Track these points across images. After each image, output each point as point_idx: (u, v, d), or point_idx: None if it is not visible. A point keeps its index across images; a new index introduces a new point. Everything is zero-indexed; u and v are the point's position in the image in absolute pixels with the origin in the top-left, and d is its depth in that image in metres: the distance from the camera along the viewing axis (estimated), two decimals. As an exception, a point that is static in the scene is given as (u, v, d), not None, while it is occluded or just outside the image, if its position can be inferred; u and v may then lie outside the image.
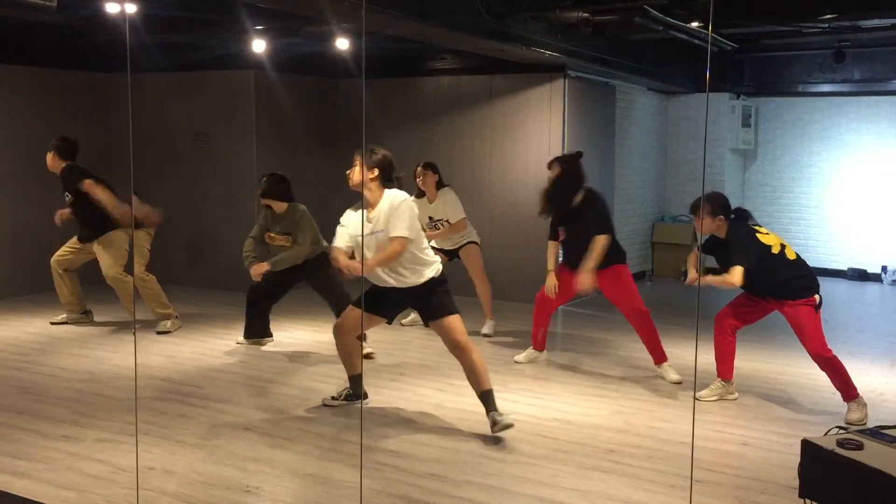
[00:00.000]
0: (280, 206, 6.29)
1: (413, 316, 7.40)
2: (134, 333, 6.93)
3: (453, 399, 5.32)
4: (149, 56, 7.71)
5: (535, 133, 8.45)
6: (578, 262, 5.80)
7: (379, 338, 6.89)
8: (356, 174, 4.67)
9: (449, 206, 6.97)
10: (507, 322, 7.48)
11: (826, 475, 3.35)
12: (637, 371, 6.07)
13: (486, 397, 4.69)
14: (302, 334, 7.01)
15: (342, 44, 7.51)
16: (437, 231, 6.99)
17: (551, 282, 6.02)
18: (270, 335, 6.67)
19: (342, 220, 4.80)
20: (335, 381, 5.65)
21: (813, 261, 10.78)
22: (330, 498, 3.83)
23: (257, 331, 6.61)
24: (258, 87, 8.66)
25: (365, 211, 4.69)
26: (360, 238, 4.60)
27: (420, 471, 4.16)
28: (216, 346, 6.64)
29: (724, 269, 5.21)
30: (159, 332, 6.93)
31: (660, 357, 5.86)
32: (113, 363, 6.05)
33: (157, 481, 3.97)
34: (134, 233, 7.02)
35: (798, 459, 3.57)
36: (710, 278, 5.23)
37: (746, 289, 5.26)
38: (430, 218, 7.01)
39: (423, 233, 4.85)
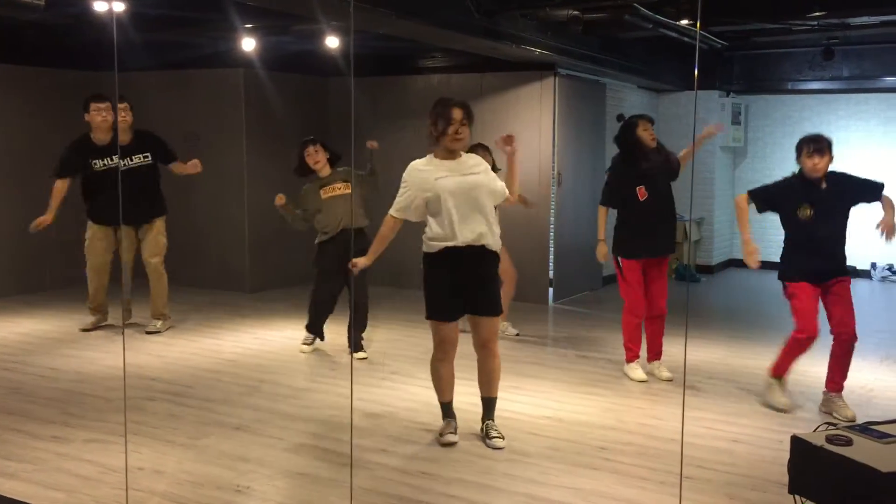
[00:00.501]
0: (326, 170, 6.17)
1: (502, 324, 6.93)
2: (122, 333, 6.90)
3: (444, 397, 5.31)
4: (138, 55, 7.68)
5: (525, 131, 8.45)
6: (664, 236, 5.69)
7: (367, 336, 6.89)
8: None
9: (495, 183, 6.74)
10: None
11: (815, 471, 3.36)
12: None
13: (489, 403, 4.62)
14: (294, 333, 6.99)
15: (332, 42, 7.49)
16: None
17: (603, 250, 5.84)
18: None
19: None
20: (328, 380, 5.64)
21: (803, 258, 10.84)
22: (321, 497, 3.82)
23: (319, 328, 6.42)
24: (248, 86, 8.64)
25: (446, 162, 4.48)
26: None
27: (411, 469, 4.15)
28: (206, 345, 6.62)
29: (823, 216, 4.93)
30: (150, 332, 6.88)
31: (656, 355, 5.86)
32: (103, 363, 6.02)
33: (146, 481, 3.95)
34: (157, 221, 6.85)
35: (788, 456, 3.58)
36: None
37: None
38: None
39: None
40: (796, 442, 3.46)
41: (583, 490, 3.93)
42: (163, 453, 4.31)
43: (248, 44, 7.66)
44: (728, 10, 7.17)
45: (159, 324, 6.96)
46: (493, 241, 4.44)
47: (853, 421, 4.73)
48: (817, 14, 7.12)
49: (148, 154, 6.72)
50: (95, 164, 6.62)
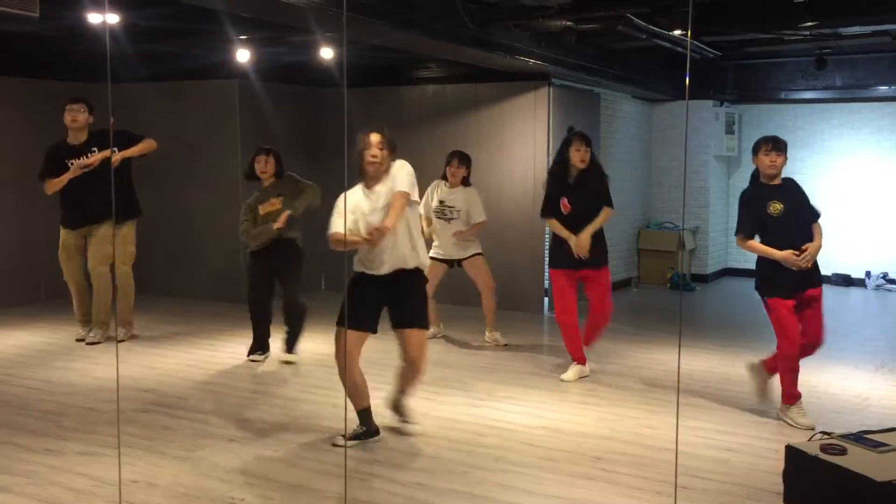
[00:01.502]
0: (271, 179, 6.26)
1: (491, 334, 7.12)
2: (116, 344, 6.87)
3: (438, 408, 5.31)
4: (132, 66, 7.69)
5: (519, 141, 8.47)
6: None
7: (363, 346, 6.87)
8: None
9: (473, 204, 6.86)
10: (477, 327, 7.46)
11: (810, 480, 3.37)
12: (623, 378, 6.08)
13: (402, 401, 4.87)
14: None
15: (326, 53, 7.51)
16: (447, 222, 6.86)
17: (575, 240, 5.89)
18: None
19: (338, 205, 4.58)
20: (322, 391, 5.63)
21: (797, 266, 10.86)
22: (315, 509, 3.81)
23: (265, 342, 6.48)
24: (242, 97, 8.65)
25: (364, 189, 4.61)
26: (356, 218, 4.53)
27: (406, 480, 4.14)
28: (201, 357, 6.60)
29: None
30: (115, 339, 6.84)
31: (583, 358, 6.06)
32: (95, 375, 6.00)
33: (140, 494, 3.93)
34: (125, 226, 6.79)
35: (783, 465, 3.58)
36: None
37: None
38: (442, 202, 6.89)
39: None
40: (791, 451, 3.47)
41: (578, 500, 3.93)
42: (157, 466, 4.30)
43: (243, 55, 7.68)
44: (720, 20, 7.21)
45: (123, 332, 6.92)
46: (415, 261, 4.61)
47: (812, 428, 4.79)
48: (809, 24, 7.16)
49: (115, 149, 6.65)
50: (71, 163, 6.60)
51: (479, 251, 7.00)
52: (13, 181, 7.82)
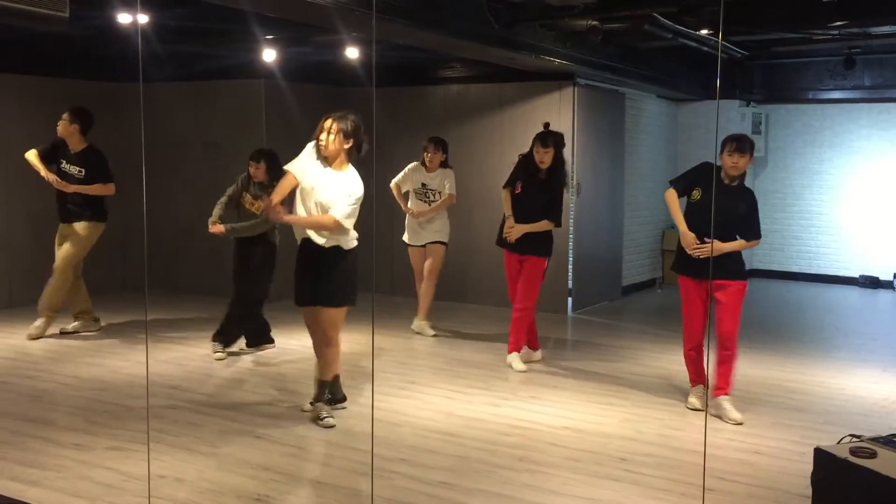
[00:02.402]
0: (263, 176, 6.38)
1: (420, 323, 7.45)
2: (146, 342, 6.95)
3: (463, 407, 5.32)
4: (160, 66, 7.75)
5: (544, 141, 8.44)
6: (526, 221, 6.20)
7: (388, 345, 6.90)
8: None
9: (448, 180, 7.29)
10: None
11: (839, 484, 3.34)
12: (647, 379, 6.05)
13: (323, 386, 5.04)
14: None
15: (352, 52, 7.54)
16: (428, 204, 7.28)
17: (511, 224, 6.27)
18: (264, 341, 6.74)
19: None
20: (346, 390, 5.65)
21: (824, 268, 10.78)
22: (340, 506, 3.83)
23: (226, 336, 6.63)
24: (268, 96, 8.70)
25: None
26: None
27: (430, 479, 4.15)
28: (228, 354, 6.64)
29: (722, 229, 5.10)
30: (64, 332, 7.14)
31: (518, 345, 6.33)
32: (124, 371, 6.07)
33: (168, 489, 3.97)
34: (79, 224, 7.07)
35: (811, 468, 3.55)
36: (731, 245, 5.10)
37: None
38: (424, 185, 7.31)
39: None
40: (820, 454, 3.43)
41: (603, 501, 3.92)
42: (184, 461, 4.34)
43: (269, 55, 7.72)
44: (748, 19, 7.15)
45: (79, 324, 7.21)
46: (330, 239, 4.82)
47: (741, 423, 5.02)
48: (838, 23, 7.08)
49: (83, 170, 7.06)
50: (63, 164, 7.07)
51: (443, 240, 7.38)
52: (38, 180, 7.88)
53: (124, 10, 5.89)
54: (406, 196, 7.41)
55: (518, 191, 6.26)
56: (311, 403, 5.16)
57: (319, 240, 4.80)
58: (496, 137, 8.70)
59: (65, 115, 7.06)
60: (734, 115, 10.45)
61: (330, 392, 5.09)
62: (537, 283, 6.27)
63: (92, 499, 3.87)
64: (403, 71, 8.78)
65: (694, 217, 5.21)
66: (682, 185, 5.37)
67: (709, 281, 5.07)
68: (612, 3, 6.40)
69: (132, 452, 4.44)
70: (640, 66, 8.60)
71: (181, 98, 9.02)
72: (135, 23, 6.03)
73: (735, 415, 5.10)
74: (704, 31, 7.08)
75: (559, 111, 8.37)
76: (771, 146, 10.97)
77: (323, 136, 4.83)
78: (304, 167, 4.88)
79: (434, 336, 7.31)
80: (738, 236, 5.16)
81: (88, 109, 7.17)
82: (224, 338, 6.54)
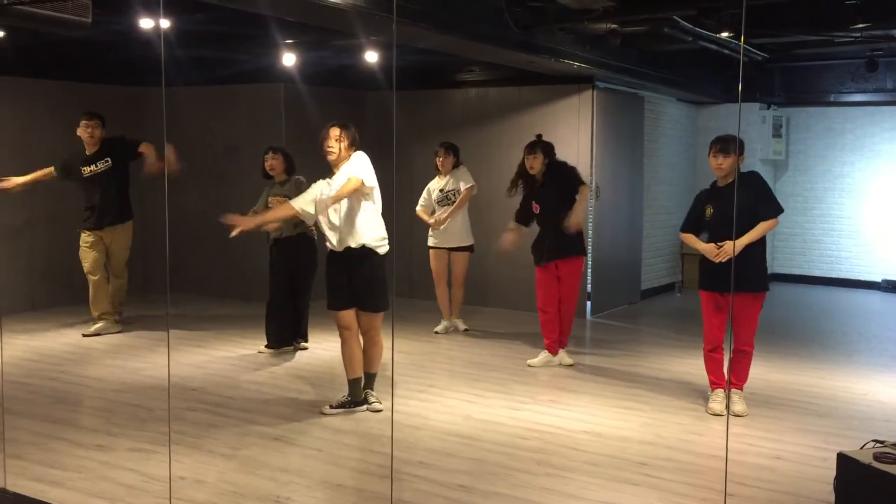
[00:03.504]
0: (280, 169, 6.63)
1: (445, 323, 7.54)
2: (167, 344, 7.00)
3: (482, 410, 5.31)
4: (181, 70, 7.81)
5: (563, 144, 8.40)
6: (560, 247, 6.32)
7: (407, 348, 6.91)
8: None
9: (462, 177, 7.43)
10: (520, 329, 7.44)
11: (862, 490, 3.31)
12: (667, 383, 6.02)
13: (370, 377, 5.28)
14: (333, 345, 7.03)
15: (371, 56, 7.57)
16: (446, 207, 7.40)
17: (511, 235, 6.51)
18: (292, 343, 6.82)
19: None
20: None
21: (846, 272, 10.68)
22: (359, 509, 3.83)
23: (279, 339, 6.75)
24: (288, 100, 8.74)
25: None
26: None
27: (449, 482, 4.15)
28: (246, 356, 6.69)
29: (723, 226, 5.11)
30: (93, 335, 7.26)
31: (560, 345, 6.51)
32: (145, 373, 6.11)
33: (188, 491, 4.00)
34: (120, 228, 7.32)
35: (833, 473, 3.52)
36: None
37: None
38: (441, 190, 7.45)
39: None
40: (843, 459, 3.41)
41: (623, 506, 3.90)
42: (204, 463, 4.36)
43: (289, 59, 7.77)
44: (770, 21, 7.11)
45: (97, 326, 7.32)
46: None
47: (743, 416, 5.18)
48: (860, 25, 7.02)
49: (108, 158, 7.25)
50: (84, 169, 7.25)
51: (467, 245, 7.53)
52: (60, 183, 7.97)
53: (146, 16, 5.95)
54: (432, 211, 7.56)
55: (538, 210, 6.37)
56: (332, 406, 5.23)
57: (356, 243, 4.99)
58: (515, 141, 8.68)
59: (91, 123, 7.22)
60: (755, 118, 10.38)
61: (369, 384, 5.30)
62: (578, 286, 6.53)
63: (113, 500, 3.90)
64: (422, 74, 8.80)
65: (711, 230, 5.25)
66: (691, 222, 5.41)
67: (727, 292, 5.07)
68: (632, 5, 6.38)
69: (153, 454, 4.48)
70: (659, 70, 8.57)
71: (202, 102, 9.08)
72: (157, 28, 6.08)
73: (740, 408, 5.19)
74: (725, 34, 7.05)
75: (578, 114, 8.36)
76: (792, 149, 10.89)
77: (330, 144, 5.07)
78: (314, 195, 5.14)
79: (466, 330, 7.57)
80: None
81: (96, 111, 7.37)
82: (276, 340, 6.77)
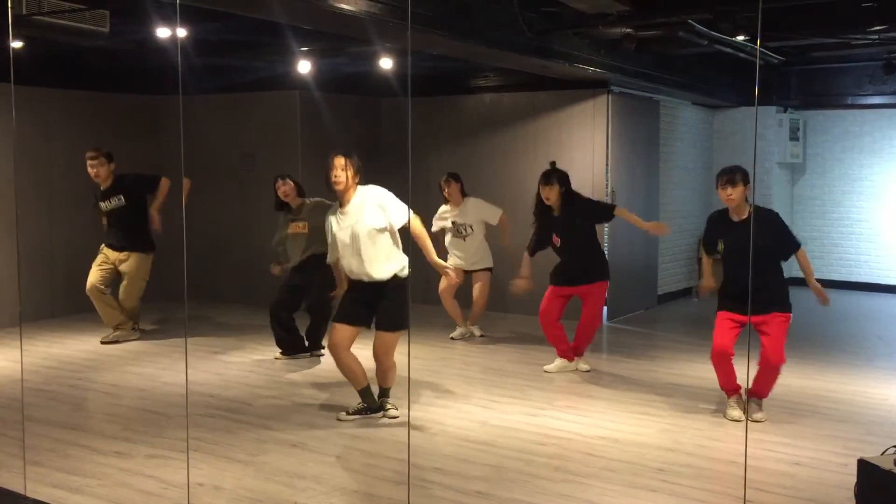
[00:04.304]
0: (293, 195, 6.74)
1: (461, 329, 7.59)
2: (185, 351, 7.03)
3: (498, 416, 5.30)
4: (197, 79, 7.87)
5: (578, 149, 8.42)
6: (580, 270, 6.29)
7: (423, 354, 6.92)
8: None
9: (481, 210, 7.43)
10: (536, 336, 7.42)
11: (884, 496, 3.27)
12: (684, 389, 5.99)
13: (385, 391, 5.29)
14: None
15: (385, 63, 7.59)
16: (463, 240, 7.45)
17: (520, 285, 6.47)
18: (306, 349, 6.84)
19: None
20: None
21: (865, 276, 10.59)
22: (377, 515, 3.83)
23: (290, 345, 6.79)
24: (303, 107, 8.78)
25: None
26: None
27: (466, 488, 4.14)
28: (263, 363, 6.71)
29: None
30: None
31: (578, 353, 6.50)
32: (163, 380, 6.15)
33: (206, 497, 4.01)
34: (132, 259, 7.35)
35: (853, 480, 3.50)
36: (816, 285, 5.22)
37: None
38: (454, 223, 7.45)
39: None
40: (863, 466, 3.38)
41: (641, 512, 3.88)
42: (222, 469, 4.38)
43: (304, 66, 7.81)
44: (786, 24, 7.07)
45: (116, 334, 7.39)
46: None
47: (760, 422, 5.13)
48: (878, 27, 6.97)
49: (121, 196, 7.34)
50: (100, 204, 7.41)
51: (489, 266, 7.57)
52: (83, 190, 8.05)
53: (163, 25, 6.00)
54: (443, 233, 7.57)
55: (558, 242, 6.31)
56: (348, 413, 5.24)
57: (381, 276, 5.01)
58: (530, 146, 8.70)
59: (95, 162, 7.24)
60: (771, 122, 10.33)
61: (384, 393, 5.32)
62: (602, 306, 6.51)
63: (132, 506, 3.92)
64: (437, 81, 8.82)
65: (728, 265, 5.24)
66: (708, 244, 5.45)
67: (748, 317, 5.06)
68: (647, 9, 6.36)
69: (171, 460, 4.50)
70: (674, 74, 8.55)
71: (218, 110, 9.14)
72: (173, 37, 6.13)
73: (758, 415, 5.17)
74: (740, 37, 7.01)
75: (593, 119, 8.35)
76: (809, 152, 10.82)
77: (336, 174, 5.01)
78: (329, 238, 5.22)
79: (482, 336, 7.58)
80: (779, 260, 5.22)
81: (100, 148, 7.39)
82: (287, 347, 6.81)
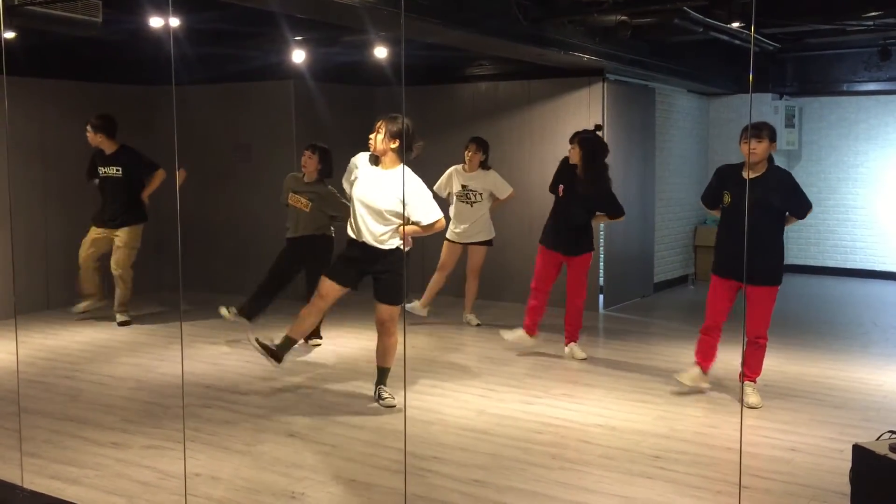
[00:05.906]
0: (313, 169, 6.63)
1: (467, 316, 7.64)
2: (181, 341, 7.03)
3: (496, 405, 5.31)
4: (190, 69, 7.83)
5: (574, 137, 8.39)
6: (570, 230, 6.29)
7: (420, 343, 6.92)
8: (379, 143, 5.10)
9: (496, 183, 7.44)
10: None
11: (878, 481, 3.28)
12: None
13: (383, 373, 5.30)
14: (345, 341, 7.05)
15: (380, 52, 7.56)
16: (470, 206, 7.40)
17: None
18: (250, 317, 6.81)
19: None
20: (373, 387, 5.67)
21: (860, 263, 10.61)
22: (374, 504, 3.84)
23: (250, 312, 6.79)
24: (297, 97, 8.75)
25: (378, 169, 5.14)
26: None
27: (463, 477, 4.15)
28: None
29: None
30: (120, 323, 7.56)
31: (571, 338, 6.51)
32: (160, 371, 6.14)
33: (204, 487, 4.02)
34: (124, 230, 7.49)
35: (849, 465, 3.50)
36: None
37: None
38: (464, 186, 7.43)
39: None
40: (859, 451, 3.39)
41: (637, 499, 3.89)
42: (219, 460, 4.38)
43: (298, 56, 7.77)
44: (781, 11, 7.05)
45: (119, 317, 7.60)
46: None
47: (757, 408, 5.17)
48: (873, 14, 6.96)
49: (119, 168, 7.48)
50: (101, 168, 7.55)
51: (486, 240, 7.50)
52: (77, 179, 8.02)
53: (156, 14, 5.97)
54: (447, 200, 7.51)
55: (562, 194, 6.33)
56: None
57: (384, 246, 5.06)
58: (525, 135, 8.68)
59: (88, 128, 7.44)
60: (767, 109, 10.31)
61: (382, 379, 5.34)
62: (586, 279, 6.50)
63: (130, 497, 3.92)
64: (432, 69, 8.79)
65: (730, 221, 5.21)
66: (710, 197, 5.43)
67: (741, 281, 5.05)
68: (641, -3, 6.36)
69: (168, 451, 4.50)
70: (670, 61, 8.53)
71: (212, 100, 9.10)
72: (166, 26, 6.10)
73: (754, 399, 5.19)
74: (735, 24, 6.99)
75: (589, 107, 8.33)
76: (805, 139, 10.82)
77: (372, 136, 5.10)
78: (352, 171, 5.22)
79: (478, 325, 7.58)
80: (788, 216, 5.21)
81: (107, 114, 7.56)
82: (249, 312, 6.79)
